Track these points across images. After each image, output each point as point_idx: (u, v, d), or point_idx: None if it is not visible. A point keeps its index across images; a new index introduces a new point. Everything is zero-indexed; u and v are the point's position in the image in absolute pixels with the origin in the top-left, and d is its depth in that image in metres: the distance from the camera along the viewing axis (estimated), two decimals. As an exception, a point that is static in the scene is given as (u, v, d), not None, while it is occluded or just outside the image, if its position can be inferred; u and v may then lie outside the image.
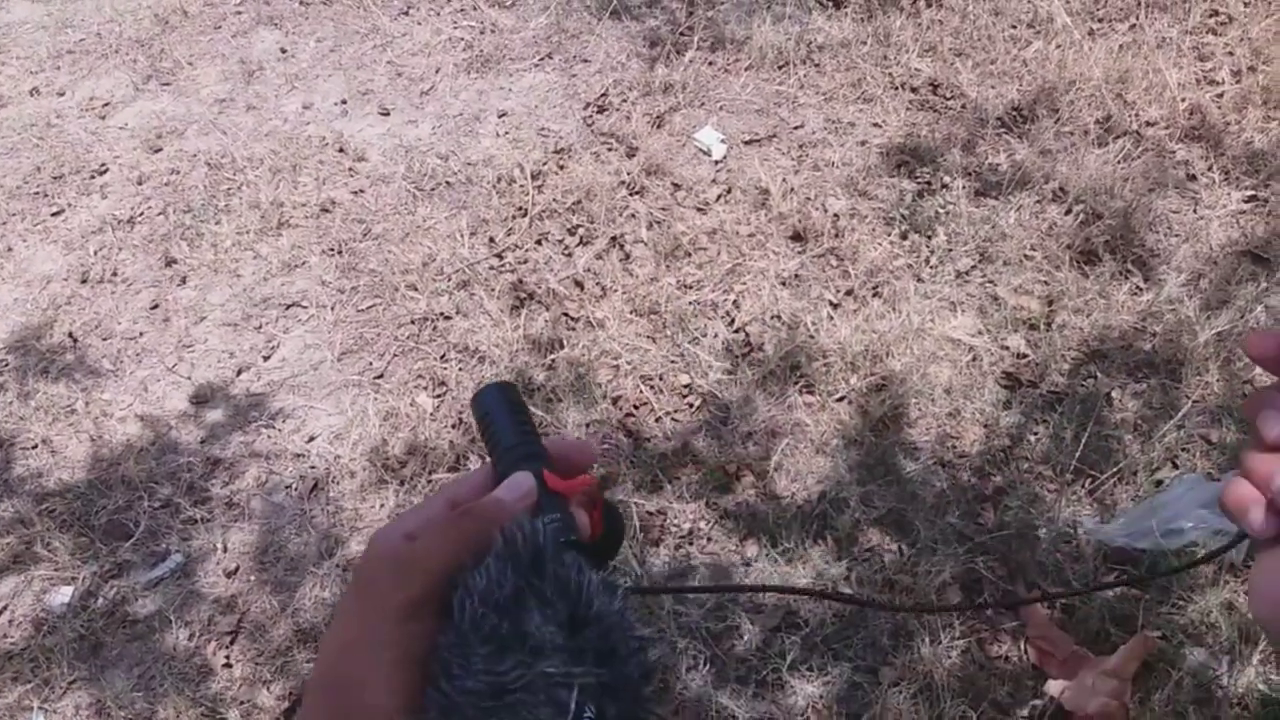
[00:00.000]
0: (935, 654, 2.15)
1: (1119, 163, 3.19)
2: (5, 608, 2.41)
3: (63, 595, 2.40)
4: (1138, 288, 2.87)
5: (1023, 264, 2.94)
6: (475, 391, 0.64)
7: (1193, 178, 3.17)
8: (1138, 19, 3.70)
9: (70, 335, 3.03)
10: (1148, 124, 3.35)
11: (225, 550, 2.49)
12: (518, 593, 0.48)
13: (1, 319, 3.10)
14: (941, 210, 3.11)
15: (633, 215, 3.20)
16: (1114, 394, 2.61)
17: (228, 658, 2.29)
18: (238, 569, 2.45)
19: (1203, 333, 2.67)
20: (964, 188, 3.16)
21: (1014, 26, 3.75)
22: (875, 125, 3.47)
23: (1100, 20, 3.75)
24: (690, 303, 2.91)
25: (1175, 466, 2.46)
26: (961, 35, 3.74)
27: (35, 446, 2.75)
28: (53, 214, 3.46)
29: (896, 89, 3.59)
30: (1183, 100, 3.37)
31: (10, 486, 2.65)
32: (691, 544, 2.40)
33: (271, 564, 2.45)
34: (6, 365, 2.97)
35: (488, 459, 0.62)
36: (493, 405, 0.63)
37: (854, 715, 2.10)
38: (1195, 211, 3.07)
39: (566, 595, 0.49)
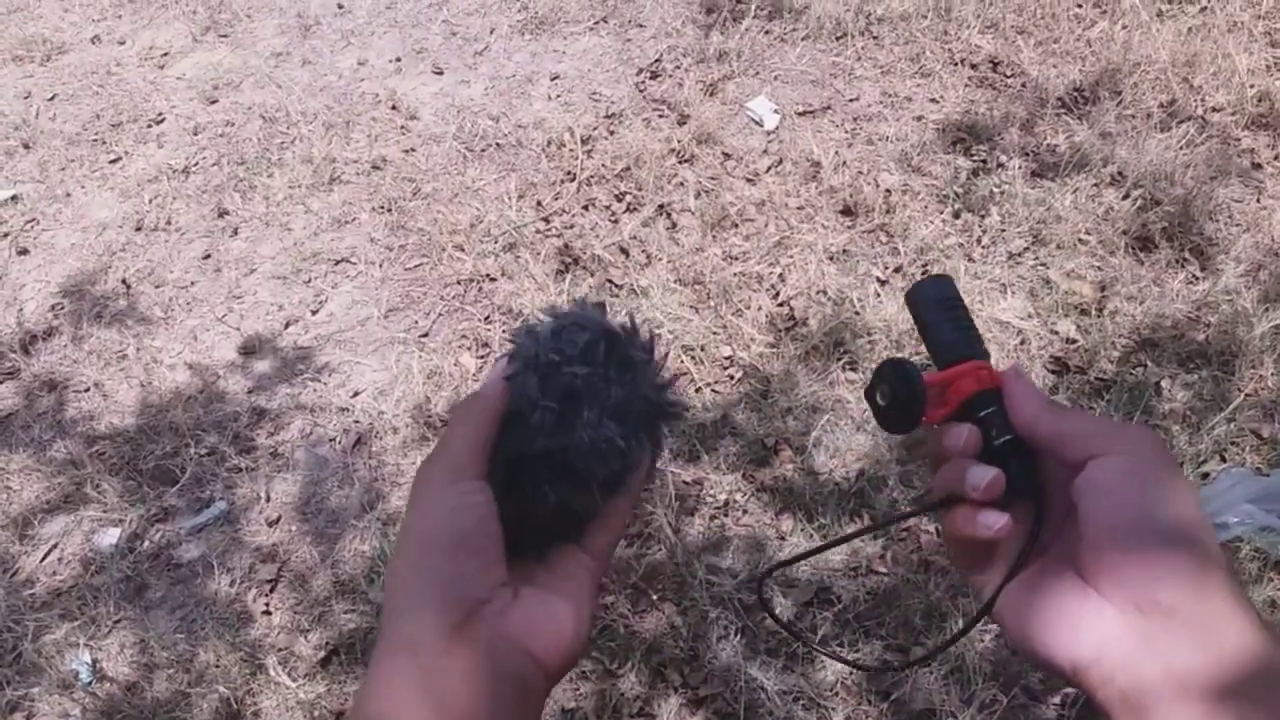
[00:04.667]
0: (968, 636, 2.14)
1: (1181, 148, 3.11)
2: (55, 546, 2.47)
3: (110, 536, 2.46)
4: (1194, 276, 2.81)
5: (1076, 248, 2.89)
6: (911, 286, 0.65)
7: (1258, 166, 3.10)
8: (1209, 1, 3.60)
9: (124, 282, 3.08)
10: (1213, 110, 3.27)
11: (268, 500, 2.53)
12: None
13: (58, 263, 3.16)
14: (996, 190, 3.06)
15: (681, 184, 3.18)
16: (1164, 384, 2.57)
17: (267, 605, 2.34)
18: (280, 519, 2.49)
19: (1259, 325, 2.62)
20: (1020, 168, 3.11)
21: (1079, 5, 3.67)
22: (932, 101, 3.42)
23: (1170, 1, 3.66)
24: (735, 274, 2.90)
25: (1223, 460, 2.42)
26: (1025, 12, 3.67)
27: (87, 390, 2.80)
28: (110, 161, 3.50)
29: (956, 65, 3.53)
30: (1251, 86, 3.28)
31: (63, 428, 2.71)
32: (727, 515, 2.40)
33: (313, 515, 2.49)
34: (62, 309, 3.02)
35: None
36: (928, 302, 0.64)
37: (883, 694, 2.10)
38: (1259, 201, 2.99)
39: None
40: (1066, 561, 0.53)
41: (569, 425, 0.55)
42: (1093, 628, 0.49)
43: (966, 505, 0.56)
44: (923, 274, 2.85)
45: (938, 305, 0.63)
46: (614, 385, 0.56)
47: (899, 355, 0.63)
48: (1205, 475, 2.38)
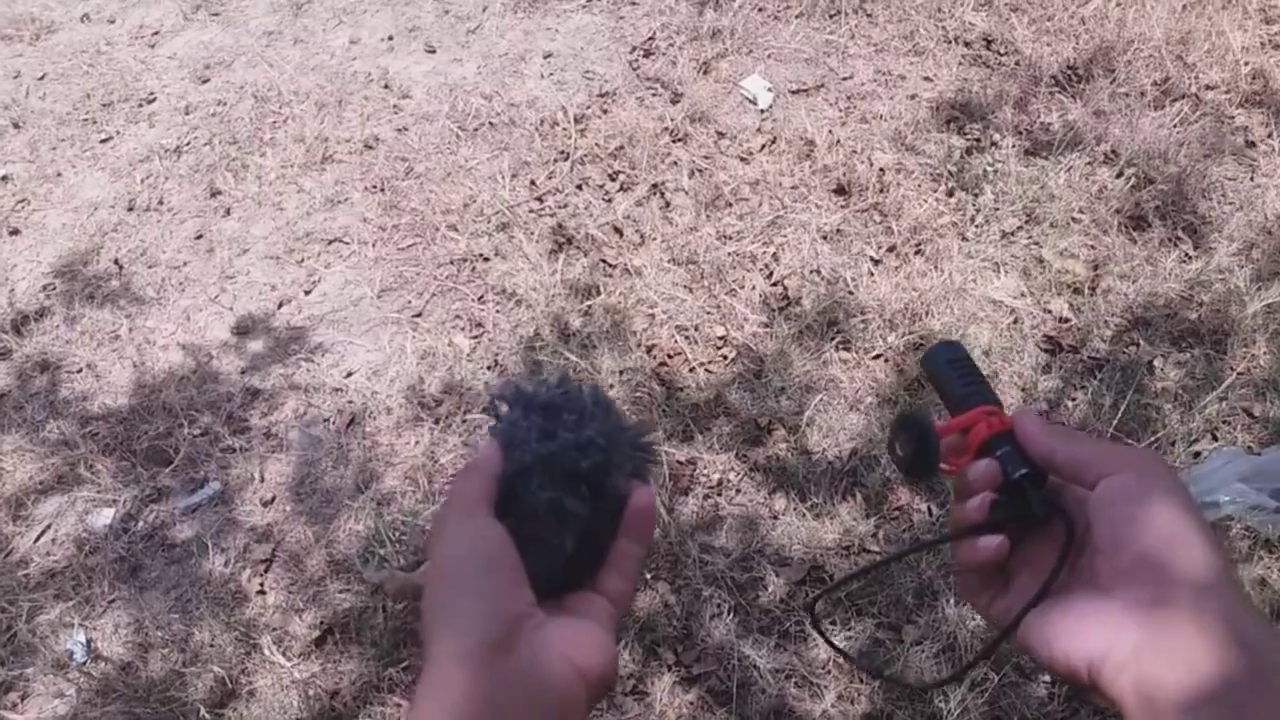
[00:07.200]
0: (960, 614, 2.15)
1: (1175, 126, 3.11)
2: (49, 527, 2.48)
3: (104, 517, 2.46)
4: (1187, 255, 2.81)
5: (1070, 226, 2.89)
6: (925, 352, 0.72)
7: (1251, 144, 3.09)
8: (1205, -23, 3.58)
9: (116, 262, 3.07)
10: (1207, 87, 3.26)
11: (262, 480, 2.54)
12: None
13: (50, 243, 3.15)
14: (990, 168, 3.05)
15: (675, 163, 3.17)
16: (1156, 362, 2.58)
17: (262, 585, 2.34)
18: (274, 499, 2.50)
19: (1252, 304, 2.62)
20: (1014, 146, 3.10)
21: (1075, -19, 3.65)
22: (926, 79, 3.41)
23: (1165, -23, 3.64)
24: (729, 254, 2.89)
25: (1215, 439, 2.43)
26: (1020, -11, 3.65)
27: (80, 370, 2.80)
28: (101, 141, 3.49)
29: (949, 43, 3.52)
30: (1245, 64, 3.27)
31: (56, 409, 2.71)
32: (720, 494, 2.41)
33: (307, 495, 2.50)
34: (54, 290, 3.01)
35: None
36: (939, 364, 0.71)
37: (875, 671, 2.12)
38: (1252, 179, 2.99)
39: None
40: (1080, 578, 0.57)
41: (552, 434, 0.59)
42: (1101, 624, 0.52)
43: (970, 538, 0.61)
44: (916, 252, 2.85)
45: (948, 365, 0.69)
46: (590, 405, 0.61)
47: (913, 410, 0.73)
48: (1197, 454, 2.39)
